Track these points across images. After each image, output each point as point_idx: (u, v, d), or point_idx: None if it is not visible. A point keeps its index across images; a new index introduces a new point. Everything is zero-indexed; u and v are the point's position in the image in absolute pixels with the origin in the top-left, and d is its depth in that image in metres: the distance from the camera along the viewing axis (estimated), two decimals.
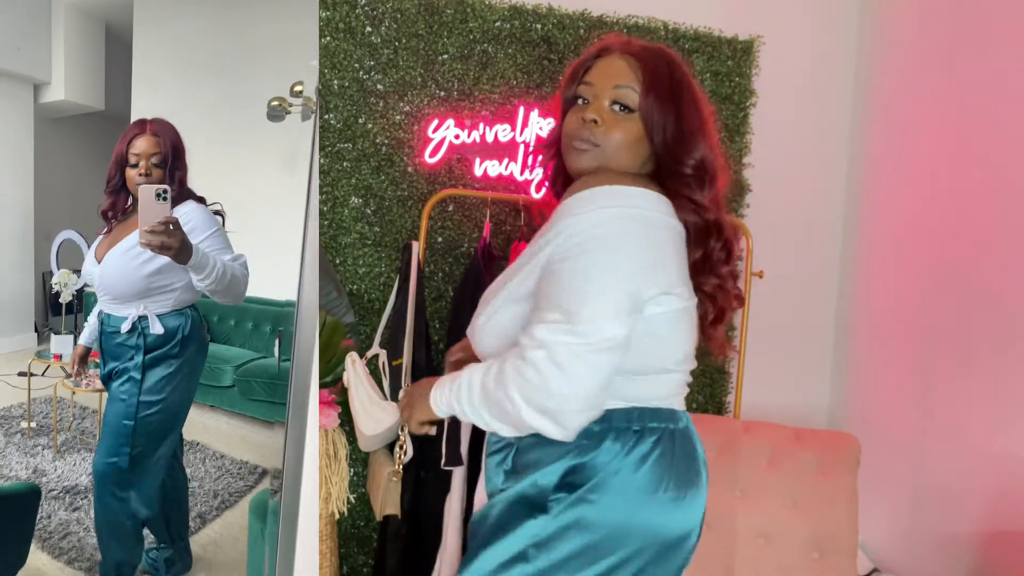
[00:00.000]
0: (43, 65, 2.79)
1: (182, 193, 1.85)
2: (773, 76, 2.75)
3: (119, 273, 1.80)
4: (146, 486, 1.89)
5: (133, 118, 2.37)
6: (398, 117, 2.49)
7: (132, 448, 1.83)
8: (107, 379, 1.93)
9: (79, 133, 3.04)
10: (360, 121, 2.47)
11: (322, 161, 2.43)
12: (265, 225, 2.06)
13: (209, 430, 2.47)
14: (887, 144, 2.66)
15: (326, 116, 2.45)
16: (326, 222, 2.46)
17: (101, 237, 1.93)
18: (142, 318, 1.83)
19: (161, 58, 2.67)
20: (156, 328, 1.83)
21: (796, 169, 2.81)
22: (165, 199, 1.54)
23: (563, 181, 1.20)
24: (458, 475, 2.06)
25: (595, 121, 1.07)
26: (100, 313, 1.92)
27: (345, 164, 2.47)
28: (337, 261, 2.46)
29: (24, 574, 1.82)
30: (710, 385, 2.80)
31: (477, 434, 2.00)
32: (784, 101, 2.77)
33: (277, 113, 1.65)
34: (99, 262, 1.87)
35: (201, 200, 1.90)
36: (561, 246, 0.98)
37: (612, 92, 1.08)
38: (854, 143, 2.83)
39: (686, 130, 1.07)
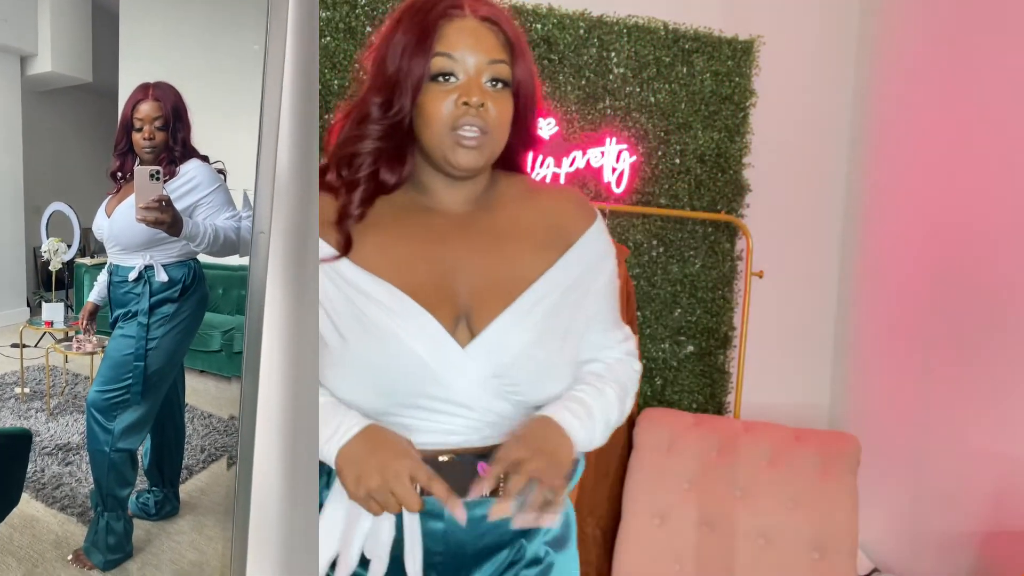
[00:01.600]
0: (29, 37, 2.76)
1: (186, 152, 1.98)
2: (773, 76, 2.75)
3: (127, 224, 1.94)
4: (134, 421, 2.02)
5: (121, 90, 2.44)
6: None
7: (125, 381, 1.98)
8: (113, 325, 2.08)
9: (67, 105, 3.02)
10: None
11: (322, 161, 2.42)
12: (251, 194, 2.09)
13: (198, 392, 2.58)
14: (887, 144, 2.66)
15: (326, 116, 2.45)
16: None
17: (111, 196, 2.06)
18: (148, 267, 1.99)
19: (148, 29, 2.66)
20: (161, 276, 1.99)
21: (796, 169, 2.82)
22: (158, 179, 1.69)
23: (375, 184, 0.98)
24: None
25: (482, 105, 0.90)
26: (109, 265, 2.08)
27: None
28: None
29: (20, 520, 1.99)
30: (710, 385, 2.80)
31: None
32: (784, 101, 2.77)
33: None
34: (109, 217, 2.01)
35: (204, 158, 2.02)
36: (611, 269, 1.04)
37: (489, 68, 0.92)
38: (854, 143, 2.83)
39: (538, 92, 1.00)
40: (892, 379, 2.53)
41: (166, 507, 2.21)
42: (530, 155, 1.07)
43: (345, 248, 0.93)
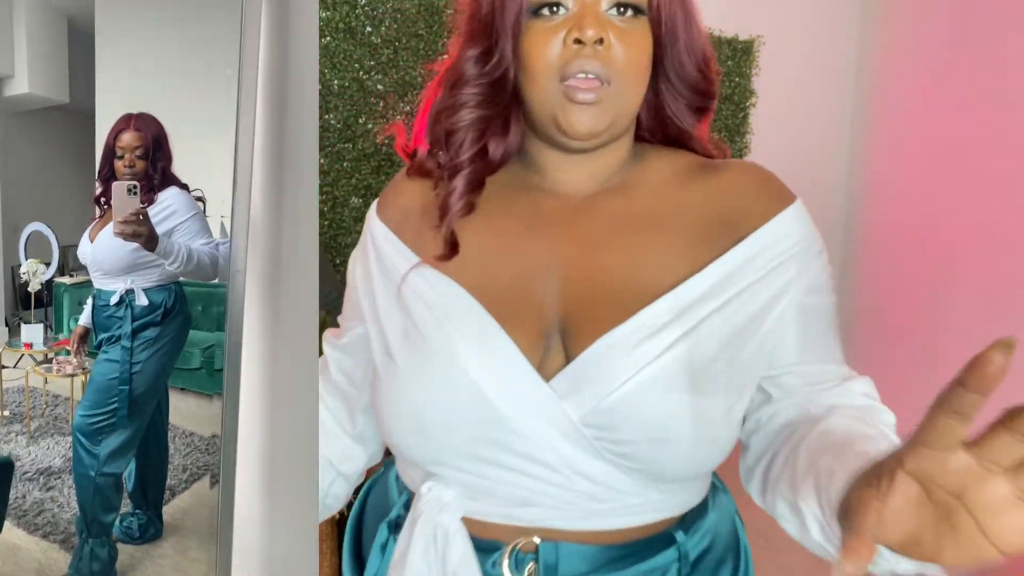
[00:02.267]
0: (6, 58, 2.79)
1: (166, 180, 2.03)
2: (773, 76, 2.75)
3: (109, 249, 1.99)
4: (120, 444, 2.04)
5: (98, 111, 2.49)
6: (398, 117, 2.49)
7: (111, 406, 2.01)
8: (98, 348, 2.12)
9: (44, 126, 3.05)
10: (360, 121, 2.47)
11: (322, 161, 2.43)
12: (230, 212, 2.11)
13: (179, 411, 2.59)
14: (887, 143, 2.66)
15: (326, 116, 2.44)
16: (326, 222, 2.46)
17: (95, 222, 2.10)
18: (129, 291, 2.03)
19: (124, 50, 2.68)
20: (142, 300, 2.03)
21: (796, 169, 2.81)
22: (135, 194, 1.73)
23: (487, 163, 0.70)
24: None
25: (601, 41, 0.61)
26: (93, 289, 2.11)
27: (345, 164, 2.47)
28: (337, 261, 2.46)
29: (2, 548, 2.01)
30: None
31: None
32: (784, 101, 2.77)
33: None
34: (92, 243, 2.05)
35: (184, 186, 2.07)
36: (817, 274, 0.69)
37: None
38: (854, 143, 2.83)
39: (695, 22, 0.67)
40: (892, 379, 2.52)
41: (150, 530, 2.22)
42: (701, 122, 0.71)
43: (450, 252, 0.68)
